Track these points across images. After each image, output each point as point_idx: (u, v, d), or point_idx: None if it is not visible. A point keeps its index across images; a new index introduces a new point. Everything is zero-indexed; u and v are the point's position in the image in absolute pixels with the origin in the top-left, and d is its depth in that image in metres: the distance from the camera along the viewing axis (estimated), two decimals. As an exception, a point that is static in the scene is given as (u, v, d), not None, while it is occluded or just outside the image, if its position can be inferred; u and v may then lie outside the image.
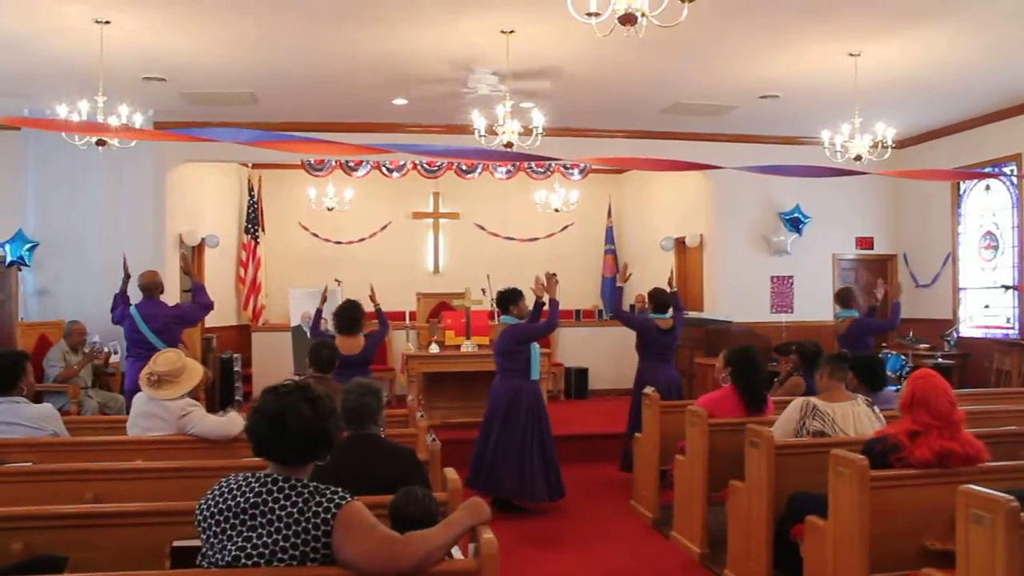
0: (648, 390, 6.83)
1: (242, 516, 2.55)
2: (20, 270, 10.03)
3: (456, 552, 3.15)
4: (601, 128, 11.21)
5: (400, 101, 9.81)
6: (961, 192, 11.36)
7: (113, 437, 5.16)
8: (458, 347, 9.54)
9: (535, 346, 7.04)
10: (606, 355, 12.13)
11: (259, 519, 2.54)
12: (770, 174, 7.29)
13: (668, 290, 8.04)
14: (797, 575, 4.51)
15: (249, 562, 2.52)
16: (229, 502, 2.58)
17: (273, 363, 11.24)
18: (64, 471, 4.30)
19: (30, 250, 9.90)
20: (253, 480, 2.62)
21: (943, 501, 3.86)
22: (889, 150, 8.36)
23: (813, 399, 5.12)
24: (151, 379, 4.98)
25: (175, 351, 5.36)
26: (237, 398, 10.66)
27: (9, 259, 9.83)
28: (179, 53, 7.81)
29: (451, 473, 3.60)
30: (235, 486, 2.62)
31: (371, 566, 2.52)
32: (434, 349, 9.56)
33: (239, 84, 8.99)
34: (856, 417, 5.02)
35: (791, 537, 4.53)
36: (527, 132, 7.78)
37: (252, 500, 2.56)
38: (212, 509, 2.61)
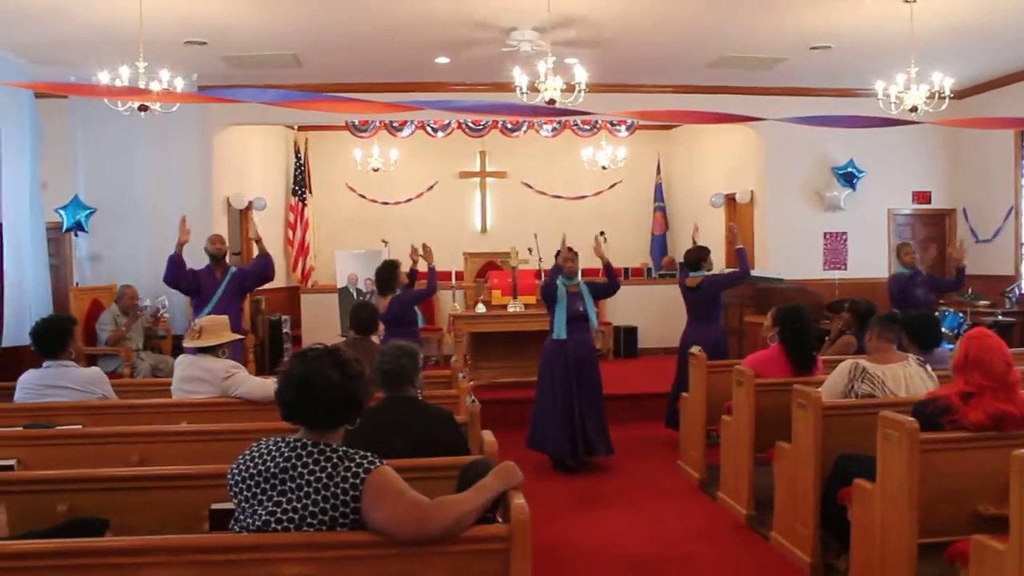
0: (694, 349, 6.74)
1: (272, 481, 2.55)
2: (76, 235, 10.21)
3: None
4: (646, 83, 10.98)
5: (442, 60, 9.70)
6: (1024, 143, 10.96)
7: (160, 400, 5.22)
8: (504, 307, 9.50)
9: (559, 306, 6.94)
10: (655, 313, 11.96)
11: (289, 484, 2.53)
12: (821, 125, 7.06)
13: (736, 246, 7.85)
14: (844, 538, 4.43)
15: (279, 526, 2.51)
16: (260, 467, 2.58)
17: (322, 324, 11.32)
18: (111, 434, 4.38)
19: (87, 216, 10.06)
20: (283, 445, 2.61)
21: (997, 465, 3.71)
22: (947, 100, 8.02)
23: (862, 361, 4.98)
24: (194, 330, 5.05)
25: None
26: (286, 359, 10.76)
27: (66, 225, 10.00)
28: (219, 16, 7.79)
29: (488, 436, 3.56)
30: (265, 451, 2.62)
31: (400, 531, 2.50)
32: (480, 309, 9.53)
33: (281, 46, 8.96)
34: (908, 378, 4.87)
35: (838, 500, 4.42)
36: (570, 89, 7.63)
37: (282, 465, 2.55)
38: (244, 474, 2.61)
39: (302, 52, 9.23)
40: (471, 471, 3.08)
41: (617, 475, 6.90)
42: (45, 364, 5.06)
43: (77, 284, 10.19)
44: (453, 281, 11.20)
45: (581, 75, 7.57)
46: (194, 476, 3.51)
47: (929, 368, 5.03)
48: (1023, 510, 3.05)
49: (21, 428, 4.54)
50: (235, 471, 2.64)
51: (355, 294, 11.17)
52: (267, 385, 5.02)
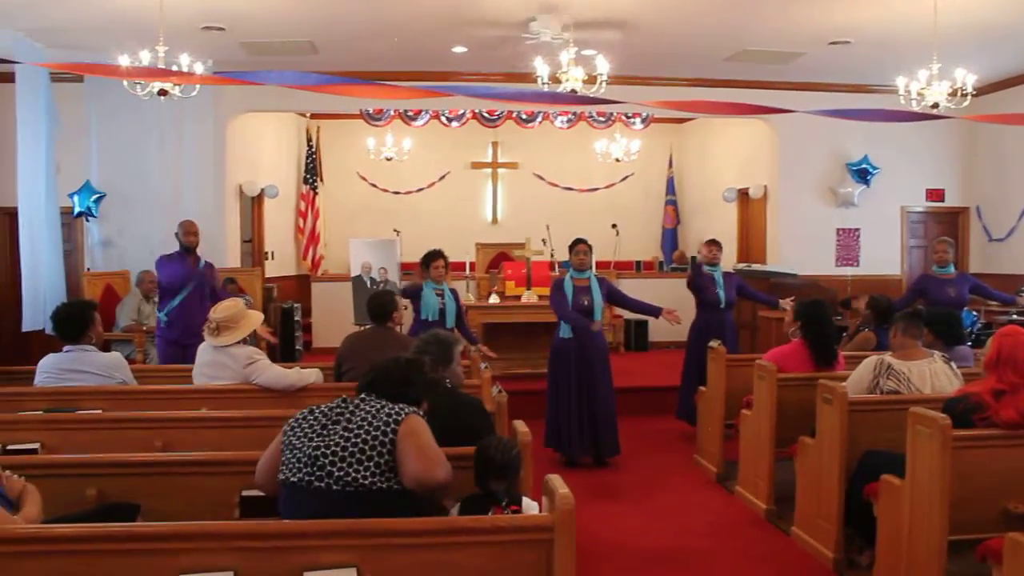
0: (713, 343, 6.73)
1: (324, 421, 2.94)
2: (88, 220, 10.18)
3: (532, 505, 3.11)
4: (665, 76, 10.88)
5: (460, 49, 9.65)
6: (1041, 141, 10.89)
7: (180, 386, 5.20)
8: (518, 298, 9.48)
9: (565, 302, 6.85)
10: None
11: (341, 423, 2.92)
12: (843, 118, 6.96)
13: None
14: (868, 534, 4.41)
15: (328, 450, 2.83)
16: (319, 413, 3.00)
17: (333, 313, 11.29)
18: (133, 419, 4.36)
19: (96, 201, 10.02)
20: (340, 400, 3.04)
21: (1027, 463, 3.73)
22: (969, 97, 7.97)
23: (887, 357, 4.94)
24: (210, 327, 5.01)
25: (233, 299, 5.37)
26: (298, 348, 10.74)
27: (77, 210, 9.97)
28: (237, 2, 7.75)
29: (521, 426, 3.54)
30: (324, 406, 3.04)
31: (431, 466, 2.85)
32: (494, 300, 9.50)
33: (298, 33, 8.92)
34: (933, 375, 4.83)
35: (863, 496, 4.40)
36: (591, 80, 7.59)
37: (338, 411, 2.98)
38: (305, 415, 3.01)
39: (319, 39, 9.18)
40: (485, 453, 3.21)
41: (632, 469, 6.86)
42: (66, 348, 5.04)
43: (89, 270, 10.17)
44: (466, 271, 11.17)
45: (603, 66, 7.53)
46: (224, 462, 3.50)
47: (954, 365, 4.99)
48: (1062, 509, 3.03)
49: (42, 412, 4.52)
50: (298, 416, 3.03)
51: (369, 283, 11.14)
52: (287, 375, 5.01)
